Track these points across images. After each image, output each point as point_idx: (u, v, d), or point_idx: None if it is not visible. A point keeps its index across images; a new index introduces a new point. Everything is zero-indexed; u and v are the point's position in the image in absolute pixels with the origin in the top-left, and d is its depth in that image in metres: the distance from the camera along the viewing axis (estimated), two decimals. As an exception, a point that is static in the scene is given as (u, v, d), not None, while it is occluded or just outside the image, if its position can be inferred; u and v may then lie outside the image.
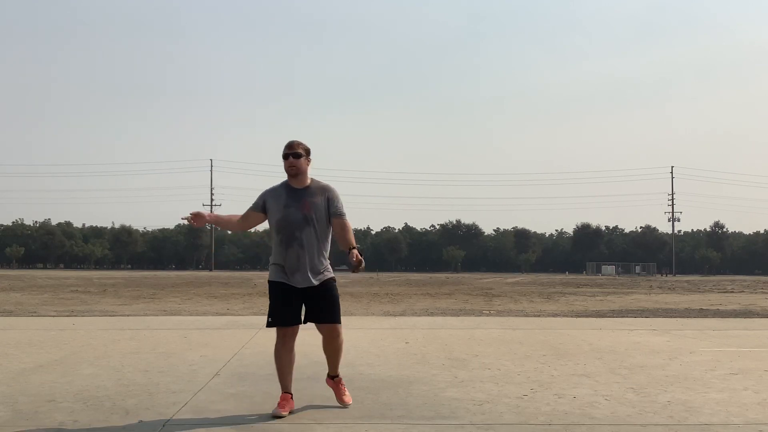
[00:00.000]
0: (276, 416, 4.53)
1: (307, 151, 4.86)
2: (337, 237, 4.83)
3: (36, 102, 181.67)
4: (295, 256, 4.71)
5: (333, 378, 4.99)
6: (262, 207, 4.85)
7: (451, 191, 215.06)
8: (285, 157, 4.79)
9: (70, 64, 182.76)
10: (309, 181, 4.87)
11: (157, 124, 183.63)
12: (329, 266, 4.88)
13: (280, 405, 4.64)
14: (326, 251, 4.87)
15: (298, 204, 4.74)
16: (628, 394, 5.39)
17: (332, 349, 4.92)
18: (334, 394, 4.96)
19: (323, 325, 4.81)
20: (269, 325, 4.79)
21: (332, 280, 4.86)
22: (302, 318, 4.81)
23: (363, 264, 4.59)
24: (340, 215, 4.81)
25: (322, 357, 6.89)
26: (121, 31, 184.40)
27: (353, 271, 4.59)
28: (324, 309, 4.79)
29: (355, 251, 4.60)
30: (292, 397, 4.74)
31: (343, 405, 4.85)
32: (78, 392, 5.30)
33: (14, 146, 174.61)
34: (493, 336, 9.49)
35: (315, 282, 4.74)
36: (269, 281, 4.84)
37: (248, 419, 4.50)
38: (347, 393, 4.96)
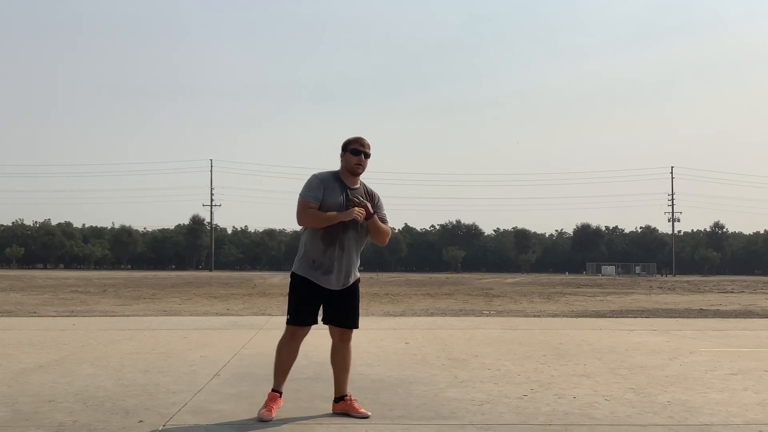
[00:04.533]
0: (262, 419, 4.42)
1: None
2: (376, 238, 4.69)
3: (36, 103, 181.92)
4: (333, 257, 4.53)
5: (344, 398, 4.68)
6: (322, 200, 4.54)
7: (451, 191, 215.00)
8: (355, 152, 4.61)
9: (71, 66, 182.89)
10: (359, 183, 4.76)
11: (157, 124, 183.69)
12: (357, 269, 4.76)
13: (268, 407, 4.52)
14: (359, 255, 4.75)
15: (350, 204, 4.56)
16: (628, 394, 5.39)
17: (348, 357, 4.73)
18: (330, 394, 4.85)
19: (344, 329, 4.68)
20: (289, 322, 4.62)
21: (358, 281, 4.76)
22: (319, 319, 4.70)
23: (362, 213, 4.49)
24: (386, 222, 4.76)
25: (322, 357, 6.88)
26: (122, 32, 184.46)
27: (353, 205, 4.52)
28: (349, 312, 4.68)
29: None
30: (281, 396, 4.65)
31: (366, 416, 4.55)
32: (78, 392, 5.30)
33: (14, 146, 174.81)
34: (493, 336, 9.49)
35: (345, 286, 4.63)
36: (297, 275, 4.61)
37: (248, 420, 4.49)
38: (361, 408, 4.65)
